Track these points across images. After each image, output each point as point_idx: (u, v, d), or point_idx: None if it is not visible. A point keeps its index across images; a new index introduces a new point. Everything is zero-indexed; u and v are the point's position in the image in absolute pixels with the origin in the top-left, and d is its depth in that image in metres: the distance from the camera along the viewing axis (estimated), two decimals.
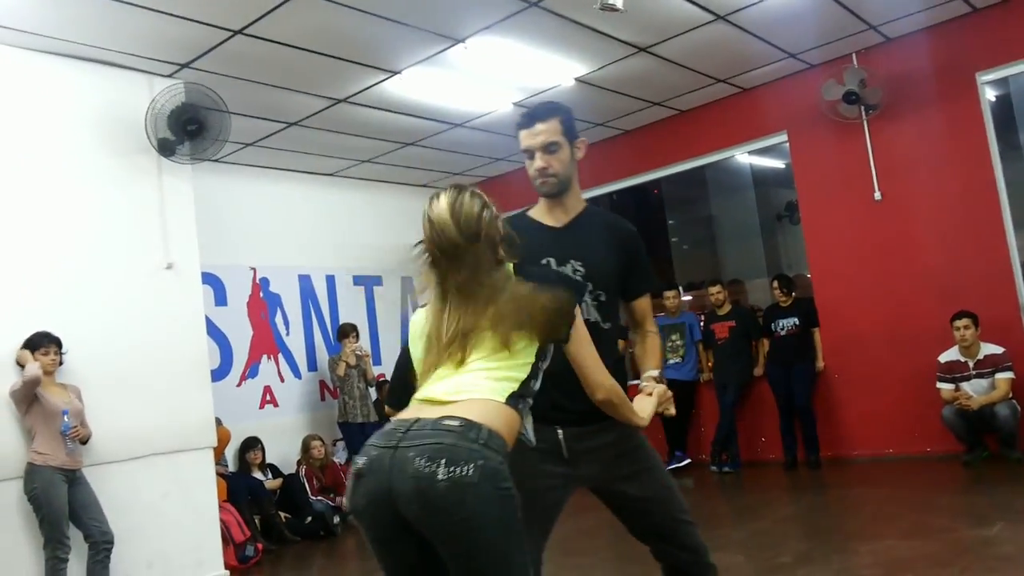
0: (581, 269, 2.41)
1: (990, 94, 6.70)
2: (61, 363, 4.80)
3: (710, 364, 7.86)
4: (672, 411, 2.45)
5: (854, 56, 6.93)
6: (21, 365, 4.64)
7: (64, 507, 4.57)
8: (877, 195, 6.93)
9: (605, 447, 2.36)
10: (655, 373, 2.49)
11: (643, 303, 2.56)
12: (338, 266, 8.49)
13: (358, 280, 8.69)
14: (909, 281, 6.78)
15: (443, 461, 1.74)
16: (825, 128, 7.14)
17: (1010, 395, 6.12)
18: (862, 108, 6.79)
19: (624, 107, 7.66)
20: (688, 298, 9.77)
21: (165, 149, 5.37)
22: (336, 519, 7.00)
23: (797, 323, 7.24)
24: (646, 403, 2.32)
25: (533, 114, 2.44)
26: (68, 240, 5.10)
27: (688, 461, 7.74)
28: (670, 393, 2.45)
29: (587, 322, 2.16)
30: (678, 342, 8.03)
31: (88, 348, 5.02)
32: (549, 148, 2.41)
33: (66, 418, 4.61)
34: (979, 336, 6.26)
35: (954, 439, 6.33)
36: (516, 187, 9.51)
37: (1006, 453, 6.12)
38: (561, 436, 2.34)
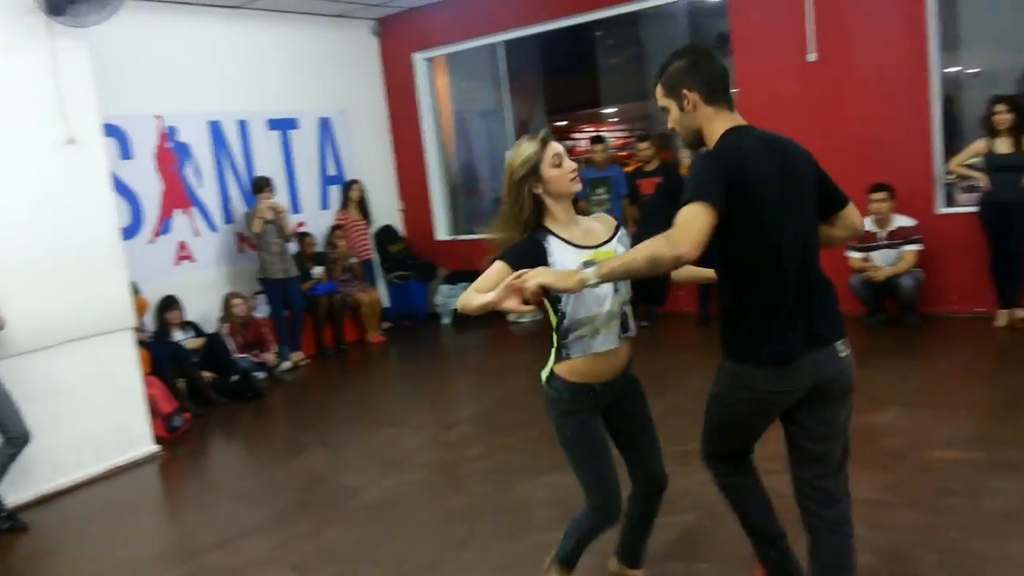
0: None
1: None
2: None
3: (635, 219, 7.92)
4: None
5: None
6: None
7: None
8: (812, 56, 6.80)
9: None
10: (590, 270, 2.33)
11: None
12: (250, 110, 7.99)
13: (273, 124, 8.23)
14: (833, 146, 6.74)
15: None
16: None
17: (916, 266, 6.43)
18: None
19: None
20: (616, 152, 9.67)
21: (55, 10, 4.78)
22: (261, 375, 7.08)
23: None
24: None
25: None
26: None
27: None
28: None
29: None
30: (603, 196, 8.02)
31: None
32: (661, 110, 2.48)
33: None
34: (893, 208, 6.47)
35: (858, 302, 6.69)
36: (438, 20, 8.99)
37: (906, 319, 6.53)
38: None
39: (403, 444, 5.31)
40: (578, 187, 2.62)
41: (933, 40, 6.44)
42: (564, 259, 2.51)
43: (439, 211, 9.63)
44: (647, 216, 7.71)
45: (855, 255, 6.58)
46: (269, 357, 7.36)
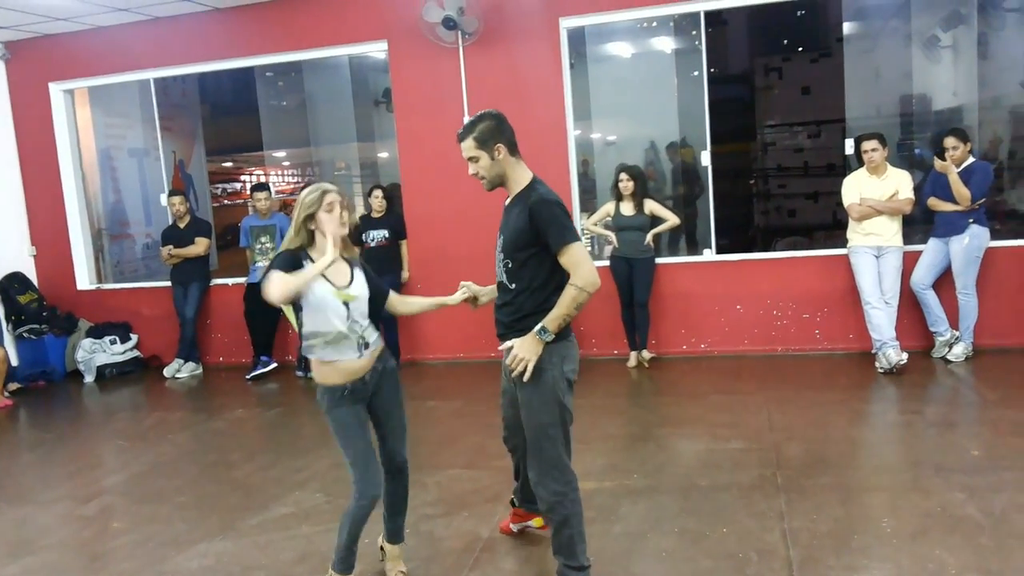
0: (499, 241, 3.13)
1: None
2: None
3: None
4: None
5: None
6: None
7: None
8: (465, 119, 7.22)
9: None
10: (539, 327, 2.92)
11: (563, 259, 2.94)
12: None
13: None
14: (485, 204, 7.29)
15: None
16: (425, 46, 7.20)
17: None
18: (459, 34, 6.96)
19: None
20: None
21: None
22: None
23: (387, 236, 7.46)
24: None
25: (458, 137, 3.14)
26: None
27: (275, 365, 7.75)
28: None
29: (498, 283, 3.14)
30: (268, 245, 7.82)
31: None
32: (471, 160, 3.09)
33: None
34: None
35: None
36: (81, 49, 8.20)
37: None
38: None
39: (31, 524, 4.64)
40: (345, 231, 3.11)
41: (569, 110, 7.21)
42: (315, 287, 3.02)
43: (80, 257, 8.70)
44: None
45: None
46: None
